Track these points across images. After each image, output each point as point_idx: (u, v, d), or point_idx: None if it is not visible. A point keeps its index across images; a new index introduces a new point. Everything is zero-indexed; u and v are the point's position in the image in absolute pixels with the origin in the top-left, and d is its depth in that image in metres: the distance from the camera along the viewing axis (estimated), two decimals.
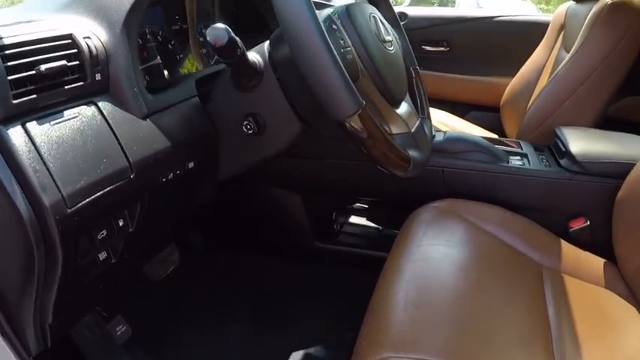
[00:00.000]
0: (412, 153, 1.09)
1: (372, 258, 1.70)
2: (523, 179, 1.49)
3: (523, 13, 2.62)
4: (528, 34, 2.42)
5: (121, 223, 0.92)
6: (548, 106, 1.81)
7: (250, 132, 1.12)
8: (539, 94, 1.86)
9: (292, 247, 1.82)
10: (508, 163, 1.52)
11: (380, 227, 1.90)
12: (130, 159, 0.88)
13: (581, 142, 1.51)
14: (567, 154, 1.50)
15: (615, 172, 1.42)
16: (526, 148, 1.64)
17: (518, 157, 1.56)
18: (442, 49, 2.67)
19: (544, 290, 1.21)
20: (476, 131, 2.20)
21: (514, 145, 1.66)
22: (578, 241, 1.45)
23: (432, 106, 2.35)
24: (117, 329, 1.46)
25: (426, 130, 1.32)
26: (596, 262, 1.37)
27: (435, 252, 1.19)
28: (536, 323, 1.09)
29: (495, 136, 2.10)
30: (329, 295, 1.73)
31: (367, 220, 1.95)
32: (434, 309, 1.01)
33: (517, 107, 2.12)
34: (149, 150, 0.92)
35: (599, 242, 1.46)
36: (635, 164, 1.35)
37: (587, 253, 1.39)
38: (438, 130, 1.67)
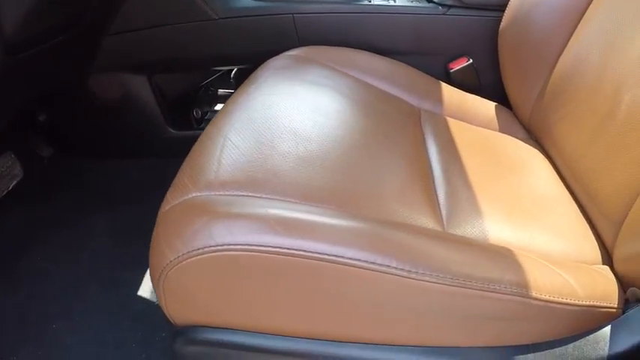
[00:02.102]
0: None
1: None
2: (389, 18, 1.27)
3: None
4: None
5: None
6: None
7: None
8: None
9: (145, 140, 1.57)
10: (370, 1, 1.29)
11: None
12: None
13: None
14: None
15: (494, 1, 1.23)
16: None
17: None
18: None
19: (423, 131, 1.00)
20: None
21: None
22: (462, 83, 1.26)
23: None
24: None
25: None
26: (485, 106, 1.17)
27: (281, 89, 0.94)
28: (413, 162, 0.88)
29: None
30: None
31: None
32: (267, 146, 0.77)
33: None
34: None
35: (486, 84, 1.27)
36: None
37: (475, 96, 1.19)
38: None
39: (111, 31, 1.36)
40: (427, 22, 1.27)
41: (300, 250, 0.60)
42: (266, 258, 0.60)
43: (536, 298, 0.65)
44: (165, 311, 0.66)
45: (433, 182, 0.86)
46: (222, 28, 1.33)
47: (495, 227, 0.79)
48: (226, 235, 0.61)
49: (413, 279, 0.61)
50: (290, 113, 0.87)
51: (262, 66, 1.10)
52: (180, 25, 1.34)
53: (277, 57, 1.13)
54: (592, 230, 0.85)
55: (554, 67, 1.04)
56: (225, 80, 1.65)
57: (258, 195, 0.69)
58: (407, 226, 0.73)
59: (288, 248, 0.60)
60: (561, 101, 0.99)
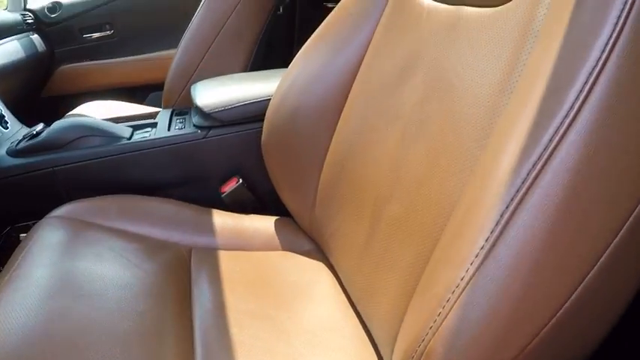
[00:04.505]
0: None
1: None
2: (151, 153, 1.21)
3: None
4: None
5: None
6: (188, 63, 1.57)
7: None
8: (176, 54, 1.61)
9: None
10: (130, 139, 1.23)
11: None
12: None
13: (212, 93, 1.26)
14: (197, 109, 1.25)
15: (251, 114, 1.21)
16: (163, 117, 1.36)
17: (147, 129, 1.28)
18: (107, 33, 2.33)
19: (192, 281, 0.94)
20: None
21: (149, 117, 1.38)
22: (238, 205, 1.21)
23: (108, 98, 2.02)
24: None
25: None
26: (265, 224, 1.12)
27: (26, 275, 0.85)
28: (176, 331, 0.81)
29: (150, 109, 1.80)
30: None
31: None
32: None
33: None
34: None
35: (263, 198, 1.23)
36: (270, 99, 1.13)
37: (253, 216, 1.14)
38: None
39: None
40: (190, 148, 1.22)
41: None
42: None
43: None
44: None
45: (193, 335, 0.80)
46: None
47: None
48: None
49: None
50: (24, 309, 0.77)
51: (25, 240, 0.99)
52: None
53: (36, 225, 1.03)
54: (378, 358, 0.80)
55: (320, 174, 1.02)
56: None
57: None
58: None
59: None
60: (331, 214, 0.97)
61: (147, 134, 1.24)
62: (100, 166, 1.20)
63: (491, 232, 0.51)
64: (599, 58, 0.49)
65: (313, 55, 1.05)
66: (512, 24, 0.66)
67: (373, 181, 0.84)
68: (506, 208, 0.50)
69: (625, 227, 0.50)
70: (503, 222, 0.50)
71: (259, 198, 1.24)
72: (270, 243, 1.09)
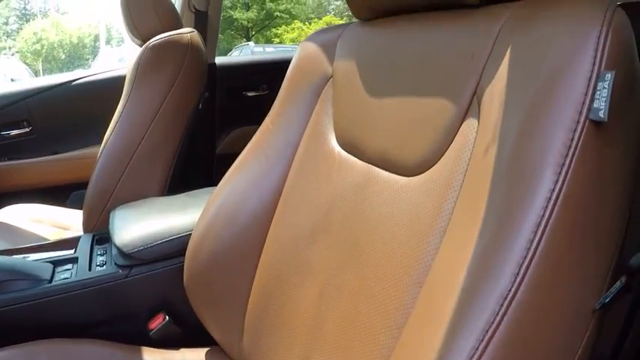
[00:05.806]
0: None
1: None
2: (73, 296, 1.19)
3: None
4: (118, 89, 2.12)
5: None
6: (105, 185, 1.55)
7: None
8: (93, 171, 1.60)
9: None
10: (51, 280, 1.20)
11: None
12: None
13: (130, 228, 1.26)
14: (117, 246, 1.24)
15: (172, 250, 1.21)
16: (83, 247, 1.35)
17: (68, 266, 1.26)
18: (25, 130, 2.25)
19: None
20: (78, 216, 1.85)
21: (69, 246, 1.37)
22: (166, 341, 1.19)
23: (29, 199, 2.00)
24: None
25: None
26: (195, 357, 1.12)
27: None
28: None
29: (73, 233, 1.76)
30: None
31: None
32: None
33: None
34: None
35: (192, 331, 1.22)
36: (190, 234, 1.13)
37: (184, 350, 1.14)
38: None
39: None
40: (113, 288, 1.20)
41: None
42: None
43: None
44: None
45: None
46: None
47: None
48: None
49: None
50: None
51: None
52: None
53: None
54: None
55: (245, 310, 1.03)
56: None
57: None
58: None
59: None
60: (259, 351, 0.97)
61: (68, 273, 1.22)
62: (23, 311, 1.16)
63: None
64: (501, 306, 0.49)
65: (230, 191, 1.06)
66: (423, 202, 0.67)
67: (295, 333, 0.86)
68: None
69: None
70: None
71: (188, 331, 1.22)
72: None
